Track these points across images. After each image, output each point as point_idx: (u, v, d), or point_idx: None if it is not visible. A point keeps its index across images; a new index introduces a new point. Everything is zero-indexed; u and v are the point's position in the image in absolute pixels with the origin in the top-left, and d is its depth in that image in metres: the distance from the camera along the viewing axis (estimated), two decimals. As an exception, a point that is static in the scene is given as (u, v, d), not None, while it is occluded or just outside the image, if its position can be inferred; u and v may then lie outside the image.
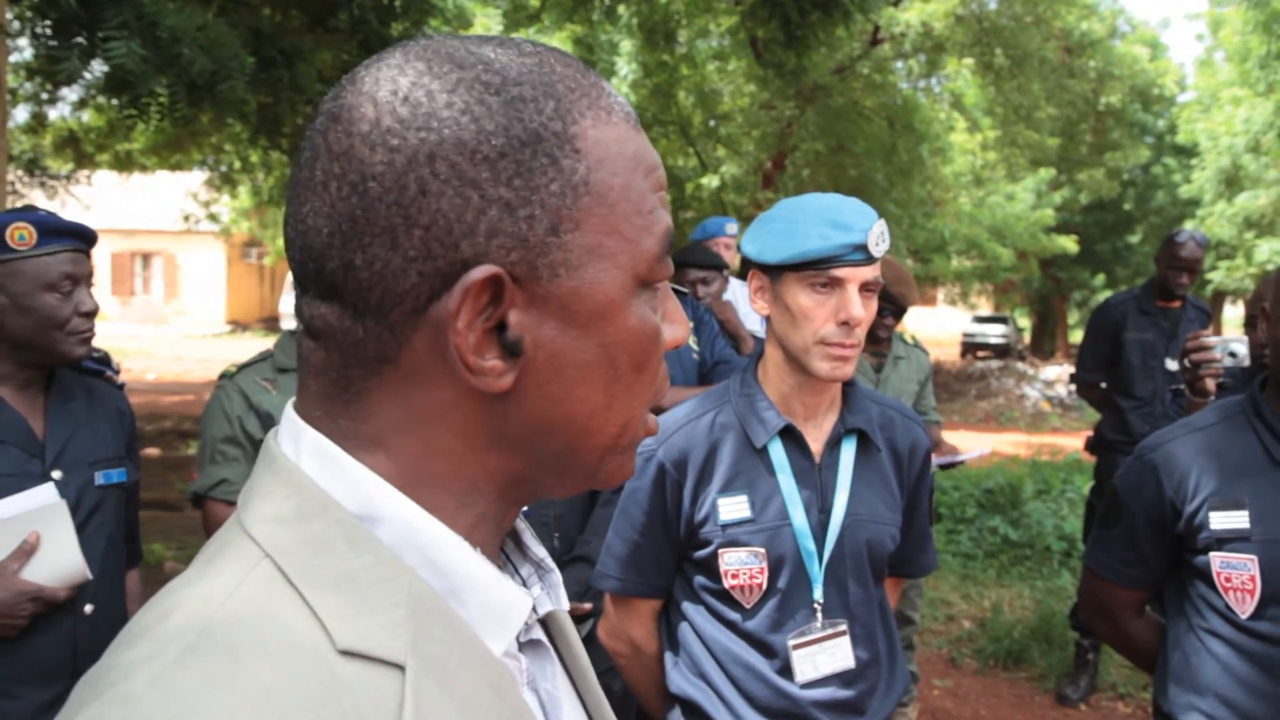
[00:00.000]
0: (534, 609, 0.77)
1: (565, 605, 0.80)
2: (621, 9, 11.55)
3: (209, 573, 0.65)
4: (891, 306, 4.32)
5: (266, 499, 0.68)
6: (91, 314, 2.30)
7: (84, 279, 2.30)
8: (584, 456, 0.72)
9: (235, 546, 0.66)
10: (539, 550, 0.80)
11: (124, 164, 16.84)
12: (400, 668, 0.62)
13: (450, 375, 0.67)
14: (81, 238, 2.31)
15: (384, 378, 0.68)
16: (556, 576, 0.80)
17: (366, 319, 0.67)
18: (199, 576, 0.65)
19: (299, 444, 0.69)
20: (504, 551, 0.80)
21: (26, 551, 2.14)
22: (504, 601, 0.70)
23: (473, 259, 0.65)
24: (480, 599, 0.69)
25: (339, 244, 0.66)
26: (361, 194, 0.65)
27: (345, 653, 0.61)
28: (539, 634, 0.77)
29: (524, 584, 0.79)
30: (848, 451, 2.06)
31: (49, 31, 4.41)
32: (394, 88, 0.67)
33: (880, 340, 4.48)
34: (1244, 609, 2.01)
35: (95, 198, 20.07)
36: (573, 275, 0.67)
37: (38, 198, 14.00)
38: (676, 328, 0.75)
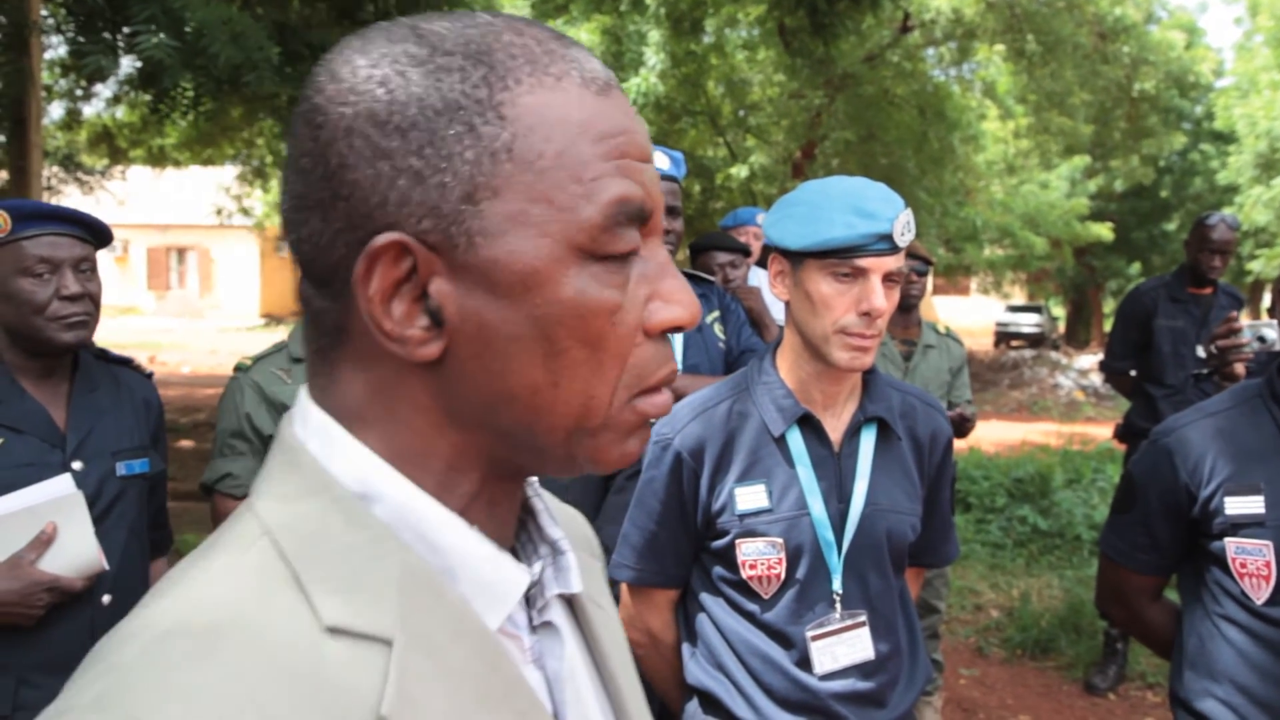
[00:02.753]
0: (542, 590, 0.78)
1: (575, 588, 0.79)
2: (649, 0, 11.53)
3: (212, 551, 0.67)
4: (918, 265, 4.31)
5: (272, 478, 0.70)
6: (76, 298, 2.25)
7: (68, 263, 2.26)
8: (544, 437, 0.70)
9: (240, 525, 0.68)
10: (554, 532, 0.80)
11: (157, 159, 17.00)
12: (387, 642, 0.63)
13: (390, 347, 0.68)
14: (65, 220, 2.27)
15: (346, 349, 0.70)
16: (569, 559, 0.80)
17: (320, 290, 0.70)
18: (202, 555, 0.67)
19: (307, 425, 0.71)
20: (524, 532, 0.81)
21: (43, 542, 2.15)
22: (498, 578, 0.71)
23: (385, 228, 0.66)
24: (474, 575, 0.70)
25: (292, 218, 0.70)
26: (300, 170, 0.69)
27: (332, 629, 0.62)
28: (552, 615, 0.78)
29: (546, 566, 0.79)
30: (867, 440, 2.04)
31: (78, 28, 4.45)
32: (330, 67, 0.69)
33: (912, 304, 4.44)
34: (1260, 595, 1.98)
35: (129, 193, 20.25)
36: (491, 244, 0.66)
37: (73, 193, 14.15)
38: (673, 309, 0.71)
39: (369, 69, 0.67)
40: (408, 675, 0.63)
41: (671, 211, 3.02)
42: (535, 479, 0.81)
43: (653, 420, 0.75)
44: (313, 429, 0.71)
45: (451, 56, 0.67)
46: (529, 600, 0.77)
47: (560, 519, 0.87)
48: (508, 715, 0.68)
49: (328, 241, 0.68)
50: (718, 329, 3.44)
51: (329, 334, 0.71)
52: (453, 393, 0.69)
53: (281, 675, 0.59)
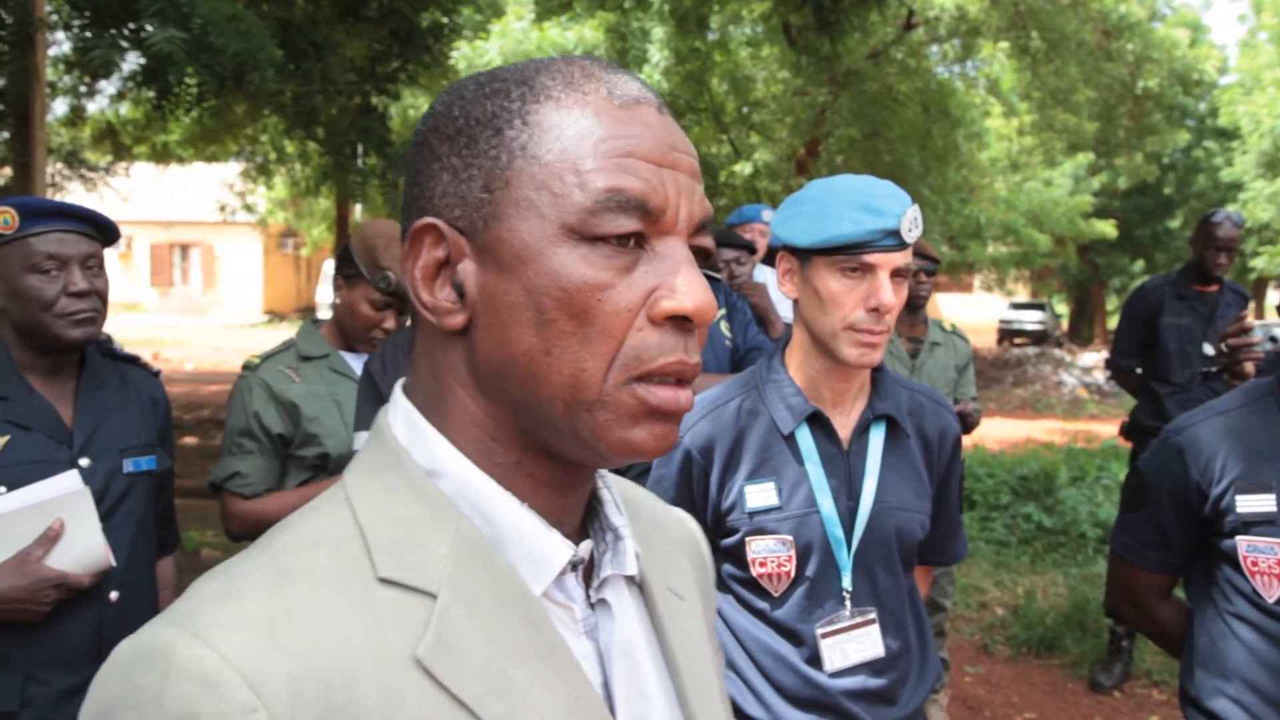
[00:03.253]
0: (598, 570, 0.86)
1: (628, 570, 0.87)
2: (653, -4, 11.53)
3: (305, 511, 0.80)
4: (926, 264, 4.32)
5: (364, 455, 0.83)
6: (84, 294, 2.25)
7: (76, 260, 2.25)
8: (547, 408, 0.78)
9: (331, 492, 0.82)
10: (616, 520, 0.89)
11: (161, 156, 17.02)
12: (433, 596, 0.74)
13: (427, 316, 0.81)
14: (73, 218, 2.27)
15: (417, 333, 0.85)
16: (625, 545, 0.88)
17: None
18: (297, 515, 0.81)
19: (395, 412, 0.85)
20: (597, 520, 0.90)
21: (50, 539, 2.15)
22: (544, 550, 0.80)
23: (428, 216, 0.81)
24: (521, 546, 0.80)
25: (402, 224, 0.85)
26: (404, 182, 0.85)
27: (384, 580, 0.74)
28: (608, 594, 0.86)
29: (606, 550, 0.88)
30: (876, 438, 2.04)
31: (84, 23, 4.45)
32: (432, 103, 0.86)
33: (919, 303, 4.45)
34: (1271, 593, 1.98)
35: (133, 190, 20.26)
36: (497, 225, 0.78)
37: (76, 190, 14.15)
38: (678, 298, 0.77)
39: (446, 95, 0.83)
40: (448, 626, 0.73)
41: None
42: (605, 472, 0.91)
43: (664, 411, 0.78)
44: (399, 414, 0.84)
45: (504, 82, 0.81)
46: (588, 578, 0.86)
47: (666, 520, 1.05)
48: (543, 671, 0.76)
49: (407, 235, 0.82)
50: (724, 326, 3.44)
51: (413, 323, 0.85)
52: (476, 360, 0.80)
53: (332, 612, 0.71)
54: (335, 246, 20.62)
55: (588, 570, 0.86)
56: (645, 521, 0.98)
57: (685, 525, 1.10)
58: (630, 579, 0.90)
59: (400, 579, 0.74)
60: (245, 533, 2.80)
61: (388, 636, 0.72)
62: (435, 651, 0.72)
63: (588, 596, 0.85)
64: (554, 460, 0.82)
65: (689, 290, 0.77)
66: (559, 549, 0.80)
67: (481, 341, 0.79)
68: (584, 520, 0.89)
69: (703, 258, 0.87)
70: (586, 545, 0.84)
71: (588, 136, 0.77)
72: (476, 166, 0.79)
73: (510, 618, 0.76)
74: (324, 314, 3.14)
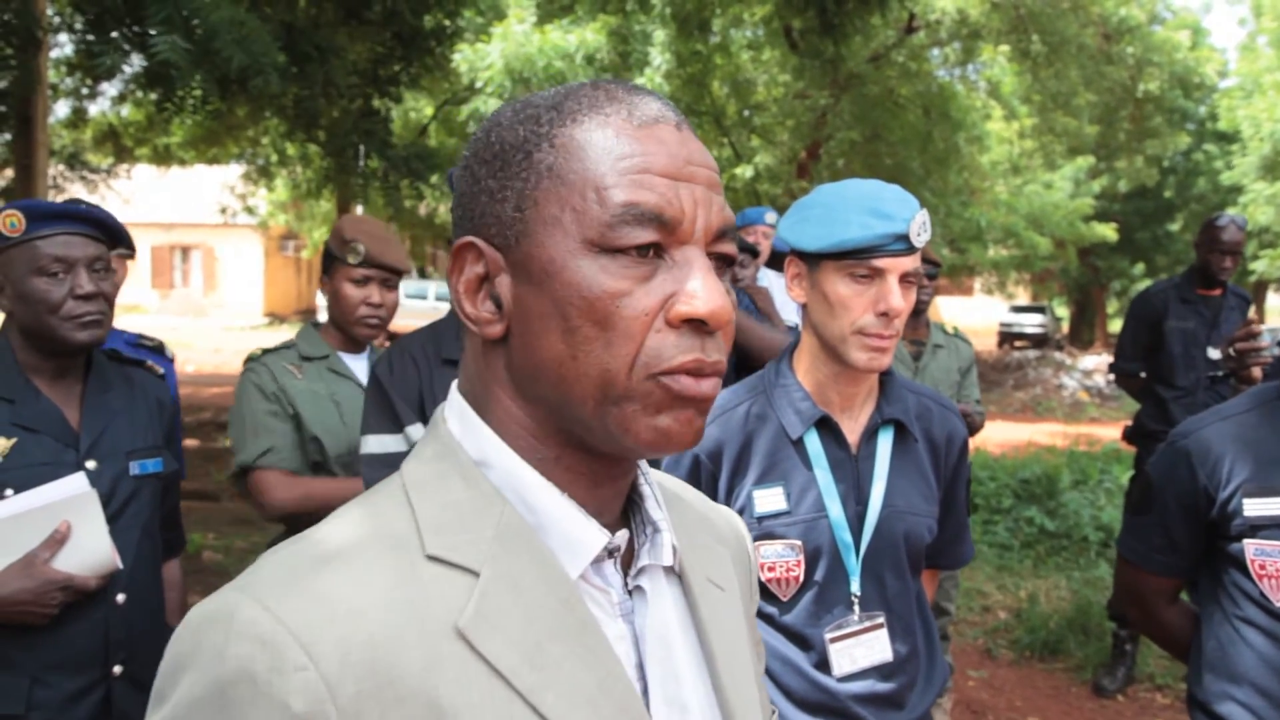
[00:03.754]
0: (636, 559, 0.93)
1: (664, 561, 0.93)
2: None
3: (365, 496, 0.89)
4: (928, 269, 4.34)
5: (422, 446, 0.91)
6: (90, 297, 2.24)
7: (82, 262, 2.25)
8: (578, 407, 0.84)
9: (390, 479, 0.89)
10: (655, 514, 0.95)
11: (162, 158, 17.03)
12: (475, 574, 0.81)
13: (471, 328, 0.88)
14: (79, 220, 2.27)
15: (467, 337, 0.92)
16: (662, 538, 0.94)
17: None
18: (360, 498, 0.89)
19: (451, 408, 0.92)
20: (637, 513, 0.96)
21: (57, 541, 2.15)
22: (580, 537, 0.86)
23: (469, 235, 0.88)
24: (561, 532, 0.86)
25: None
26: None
27: (431, 558, 0.81)
28: (644, 581, 0.92)
29: (645, 541, 0.94)
30: (884, 442, 2.04)
31: (87, 26, 4.45)
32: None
33: (921, 307, 4.47)
34: (1279, 597, 1.98)
35: (134, 191, 20.26)
36: (527, 241, 0.85)
37: (78, 191, 14.15)
38: (692, 302, 0.82)
39: (489, 121, 0.90)
40: (488, 601, 0.80)
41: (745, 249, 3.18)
42: (648, 469, 0.97)
43: (687, 396, 0.83)
44: (453, 410, 0.92)
45: (536, 108, 0.88)
46: (626, 567, 0.92)
47: (713, 516, 1.11)
48: (577, 648, 0.82)
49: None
50: None
51: (465, 327, 0.91)
52: (514, 366, 0.87)
53: (381, 584, 0.78)
54: (336, 249, 20.55)
55: (627, 559, 0.92)
56: (690, 515, 1.05)
57: (731, 522, 1.16)
58: (670, 570, 0.96)
59: (446, 557, 0.81)
60: (289, 509, 2.78)
61: (432, 608, 0.78)
62: (475, 623, 0.79)
63: (625, 584, 0.91)
64: (591, 454, 0.88)
65: (703, 295, 0.83)
66: (595, 536, 0.87)
67: (517, 349, 0.86)
68: (627, 513, 0.96)
69: (726, 264, 0.90)
70: (622, 534, 0.90)
71: (607, 156, 0.83)
72: (510, 188, 0.86)
73: (547, 597, 0.83)
74: (323, 316, 3.17)
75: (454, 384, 0.94)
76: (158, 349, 3.55)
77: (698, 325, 0.83)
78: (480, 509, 0.85)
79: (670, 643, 0.91)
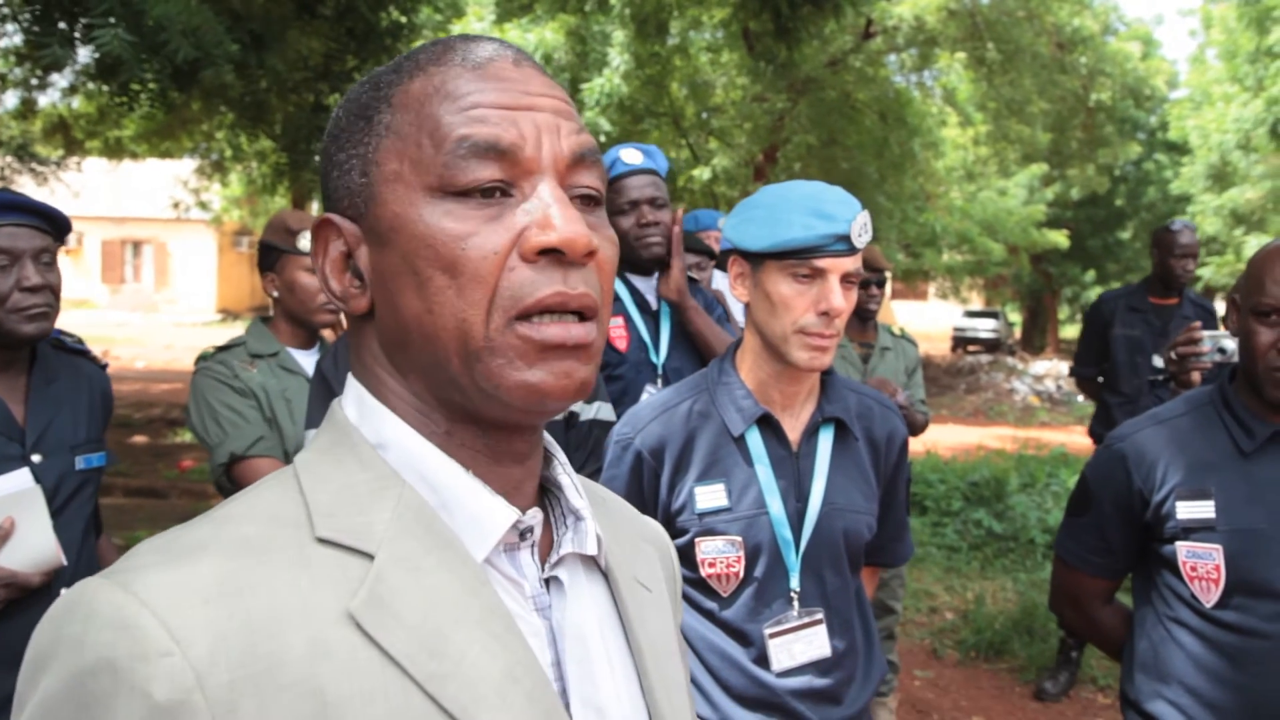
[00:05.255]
0: (556, 548, 0.87)
1: (588, 550, 0.88)
2: (614, 0, 11.52)
3: (253, 486, 0.82)
4: (876, 276, 4.40)
5: (318, 437, 0.86)
6: (37, 289, 2.22)
7: (29, 254, 2.23)
8: (446, 368, 0.80)
9: (280, 470, 0.84)
10: (577, 503, 0.90)
11: (114, 151, 16.78)
12: (370, 557, 0.75)
13: (339, 306, 0.85)
14: (25, 211, 2.24)
15: (348, 321, 0.88)
16: (585, 525, 0.89)
17: None
18: (246, 489, 0.82)
19: (348, 395, 0.88)
20: (558, 506, 0.91)
21: (0, 537, 2.13)
22: (485, 515, 0.81)
23: (328, 213, 0.86)
24: (465, 511, 0.81)
25: None
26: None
27: (321, 540, 0.75)
28: (561, 572, 0.86)
29: (567, 531, 0.89)
30: (825, 440, 2.07)
31: (32, 17, 4.38)
32: None
33: (869, 314, 4.52)
34: (1209, 598, 2.02)
35: (85, 185, 19.97)
36: (374, 204, 0.82)
37: (26, 184, 13.93)
38: (546, 234, 0.78)
39: (340, 101, 0.88)
40: (383, 584, 0.74)
41: (652, 202, 3.08)
42: (565, 462, 0.92)
43: (555, 345, 0.78)
44: (351, 397, 0.87)
45: (380, 74, 0.85)
46: (545, 558, 0.87)
47: (638, 520, 1.07)
48: (481, 635, 0.76)
49: None
50: None
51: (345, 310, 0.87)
52: (384, 338, 0.84)
53: (262, 566, 0.72)
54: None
55: (545, 550, 0.87)
56: (617, 515, 1.01)
57: (657, 530, 1.11)
58: (594, 564, 0.91)
59: (338, 539, 0.75)
60: None
61: (320, 592, 0.72)
62: (368, 607, 0.73)
63: (541, 575, 0.86)
64: (481, 426, 0.83)
65: (557, 226, 0.78)
66: (501, 513, 0.81)
67: (381, 318, 0.83)
68: (544, 505, 0.90)
69: (593, 203, 0.85)
70: (535, 513, 0.85)
71: (441, 101, 0.81)
72: (355, 156, 0.83)
73: (450, 580, 0.77)
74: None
75: (350, 373, 0.89)
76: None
77: (556, 256, 0.78)
78: (376, 490, 0.79)
79: (588, 641, 0.85)
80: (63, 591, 2.19)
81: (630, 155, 3.08)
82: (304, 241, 2.87)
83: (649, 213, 3.04)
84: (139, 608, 0.67)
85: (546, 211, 0.79)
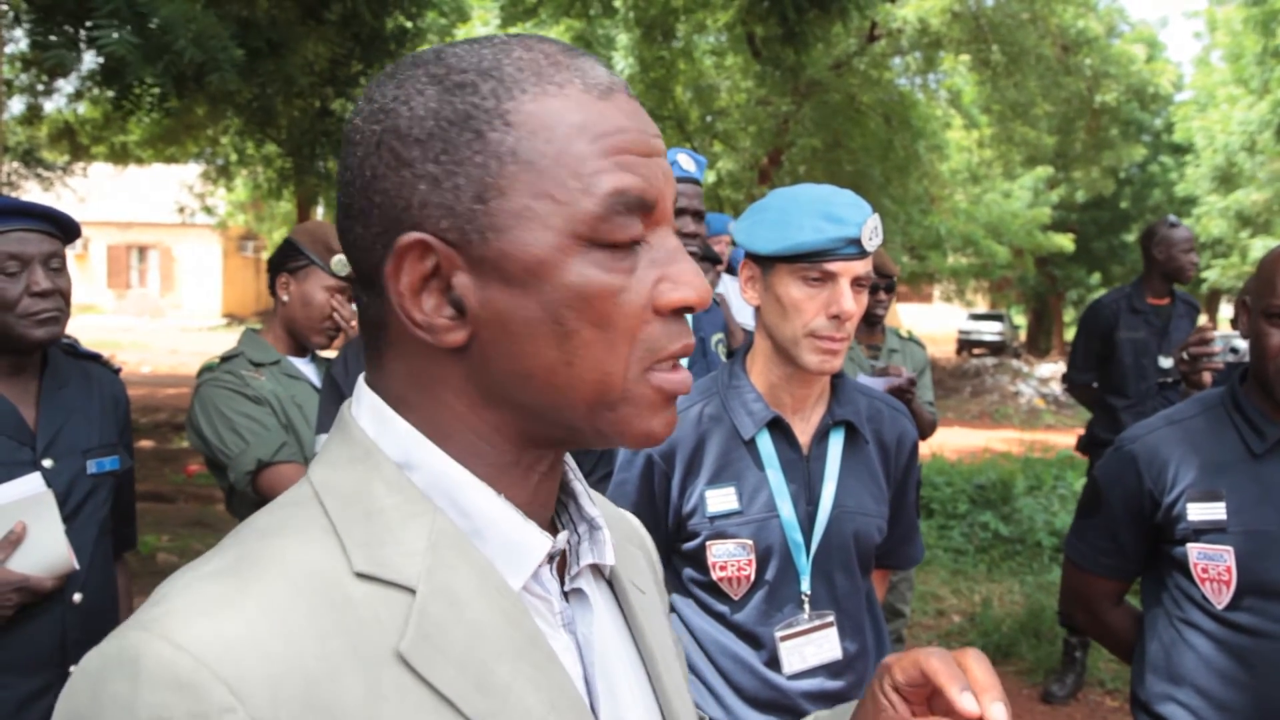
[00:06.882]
0: (576, 559, 0.85)
1: (608, 560, 0.86)
2: (619, 3, 11.55)
3: (270, 509, 0.77)
4: (884, 281, 4.39)
5: (329, 449, 0.80)
6: (47, 294, 2.22)
7: (38, 259, 2.22)
8: (568, 412, 0.77)
9: (297, 489, 0.79)
10: (591, 511, 0.88)
11: (119, 156, 16.82)
12: (411, 591, 0.72)
13: (420, 335, 0.76)
14: (34, 216, 2.24)
15: (387, 340, 0.80)
16: (603, 534, 0.87)
17: (366, 290, 0.80)
18: (263, 511, 0.78)
19: (360, 404, 0.81)
20: (566, 512, 0.89)
21: (12, 541, 2.12)
22: (522, 542, 0.78)
23: (410, 229, 0.75)
24: (500, 538, 0.78)
25: (342, 226, 0.79)
26: (344, 184, 0.78)
27: (360, 575, 0.71)
28: (582, 584, 0.84)
29: (583, 540, 0.87)
30: (835, 443, 2.06)
31: (37, 20, 4.39)
32: (366, 93, 0.80)
33: (877, 319, 4.52)
34: (1220, 600, 2.02)
35: (91, 190, 20.02)
36: (500, 238, 0.73)
37: (33, 189, 13.97)
38: (682, 289, 0.77)
39: (395, 90, 0.76)
40: (428, 620, 0.71)
41: (697, 215, 2.98)
42: (573, 464, 0.89)
43: (676, 394, 0.79)
44: (365, 408, 0.80)
45: (465, 74, 0.75)
46: (562, 570, 0.84)
47: (621, 519, 1.04)
48: (524, 667, 0.74)
49: (368, 245, 0.77)
50: (721, 351, 3.38)
51: (375, 328, 0.80)
52: (482, 374, 0.77)
53: (308, 608, 0.68)
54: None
55: (561, 562, 0.85)
56: (609, 519, 0.98)
57: (636, 526, 1.09)
58: (598, 572, 0.90)
59: (378, 574, 0.71)
60: None
61: (368, 632, 0.69)
62: (417, 646, 0.70)
63: (562, 588, 0.84)
64: (548, 448, 0.82)
65: (690, 281, 0.78)
66: (537, 540, 0.79)
67: (489, 357, 0.76)
68: (556, 512, 0.89)
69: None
70: (564, 536, 0.83)
71: (579, 136, 0.74)
72: (462, 175, 0.74)
73: (491, 612, 0.74)
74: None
75: (361, 379, 0.83)
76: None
77: (678, 309, 0.78)
78: (409, 516, 0.75)
79: (609, 652, 0.85)
80: (75, 599, 2.23)
81: (687, 162, 2.98)
82: (338, 265, 2.85)
83: (691, 224, 2.95)
84: (193, 664, 0.63)
85: (677, 266, 0.78)
